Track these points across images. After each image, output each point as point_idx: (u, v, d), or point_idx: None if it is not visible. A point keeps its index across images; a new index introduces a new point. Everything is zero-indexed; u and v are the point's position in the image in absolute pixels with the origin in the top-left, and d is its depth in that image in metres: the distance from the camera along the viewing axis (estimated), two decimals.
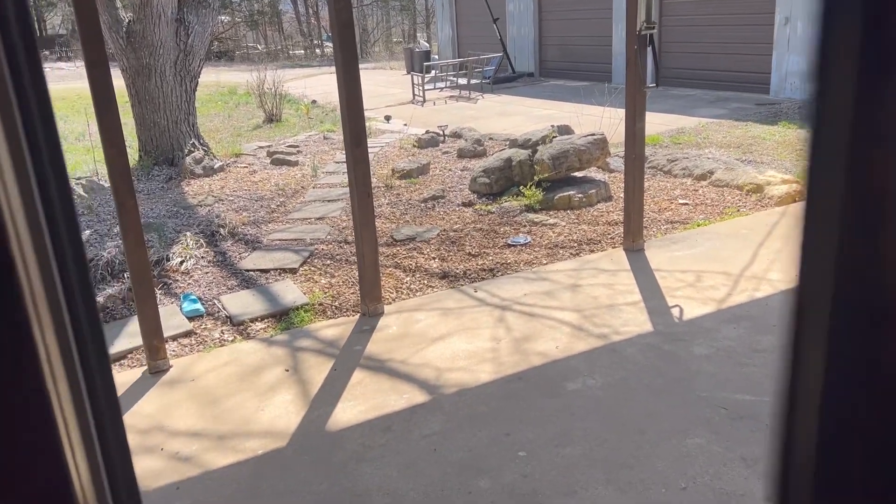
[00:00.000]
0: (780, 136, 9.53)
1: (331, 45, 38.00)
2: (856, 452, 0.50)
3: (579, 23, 17.23)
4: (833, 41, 0.46)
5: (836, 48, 0.45)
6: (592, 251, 5.62)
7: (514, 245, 5.82)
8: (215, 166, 9.00)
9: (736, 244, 5.47)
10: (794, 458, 0.54)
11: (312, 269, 5.61)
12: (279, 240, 6.35)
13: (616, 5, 15.81)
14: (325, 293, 5.11)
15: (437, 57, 23.82)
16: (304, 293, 5.10)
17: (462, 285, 5.12)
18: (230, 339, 4.54)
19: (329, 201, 7.53)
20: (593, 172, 7.62)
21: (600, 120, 9.67)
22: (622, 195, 6.78)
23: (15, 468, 0.47)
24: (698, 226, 6.04)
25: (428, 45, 26.47)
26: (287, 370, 4.08)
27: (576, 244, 5.78)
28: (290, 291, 5.14)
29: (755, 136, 9.62)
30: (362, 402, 3.70)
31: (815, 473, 0.52)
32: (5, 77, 0.44)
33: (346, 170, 8.64)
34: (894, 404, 0.48)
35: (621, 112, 9.22)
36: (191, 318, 4.78)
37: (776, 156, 8.51)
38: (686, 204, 6.69)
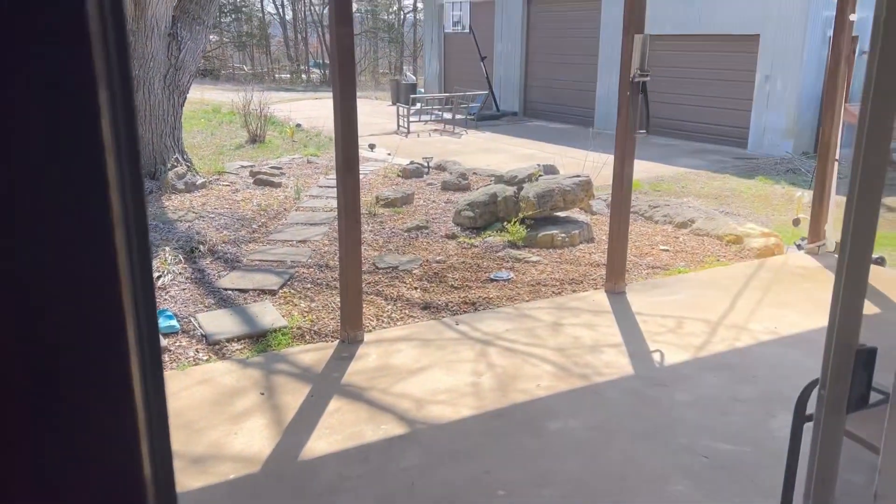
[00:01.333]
0: (757, 191, 9.71)
1: (317, 70, 38.20)
2: None
3: (565, 67, 17.53)
4: None
5: None
6: (574, 291, 5.62)
7: (496, 280, 5.80)
8: (197, 182, 8.89)
9: (716, 293, 5.51)
10: None
11: (292, 291, 5.53)
12: (259, 260, 6.26)
13: (602, 52, 16.12)
14: (305, 317, 5.03)
15: (423, 90, 23.98)
16: (283, 316, 5.02)
17: (443, 317, 5.07)
18: (205, 358, 4.42)
19: (312, 225, 7.46)
20: (576, 213, 7.67)
21: (583, 163, 9.78)
22: (604, 237, 6.84)
23: (93, 450, 0.49)
24: (679, 273, 6.09)
25: (414, 77, 26.71)
26: (262, 393, 3.97)
27: (558, 283, 5.78)
28: (268, 313, 5.05)
29: (733, 189, 9.79)
30: (339, 431, 3.61)
31: None
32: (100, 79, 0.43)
33: (329, 195, 8.67)
34: None
35: (604, 156, 9.41)
36: (165, 335, 4.66)
37: (753, 209, 8.66)
38: (667, 250, 6.75)
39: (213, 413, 3.76)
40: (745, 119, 13.37)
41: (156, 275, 5.61)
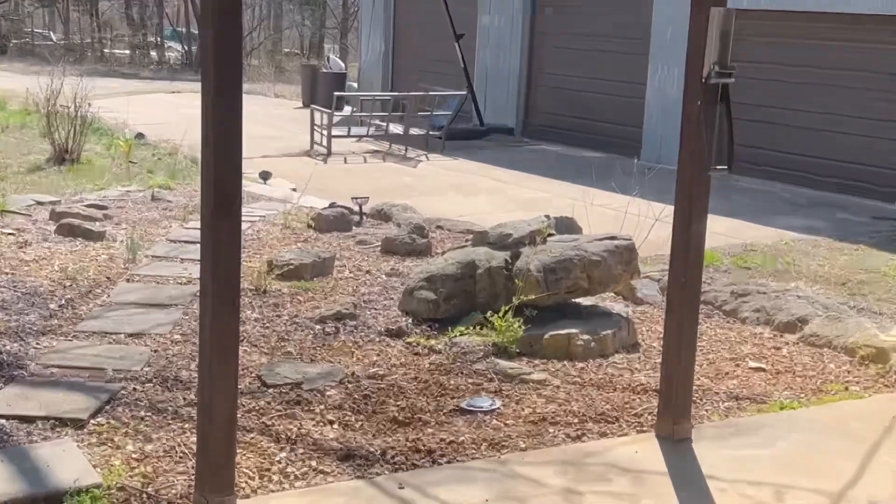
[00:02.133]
0: None
1: (177, 47, 38.67)
2: None
3: (594, 57, 17.91)
4: None
5: None
6: (604, 435, 5.63)
7: (471, 412, 5.79)
8: None
9: (840, 444, 5.55)
10: None
11: (114, 423, 5.47)
12: (59, 366, 6.23)
13: (657, 36, 16.52)
14: (134, 469, 4.97)
15: (356, 86, 24.34)
16: (96, 466, 4.96)
17: (377, 475, 5.03)
18: None
19: (154, 306, 7.46)
20: (609, 301, 7.72)
21: (622, 217, 9.91)
22: (656, 344, 6.87)
23: None
24: (781, 408, 6.13)
25: (343, 64, 27.15)
26: None
27: (577, 421, 5.78)
28: (69, 461, 4.99)
29: (872, 269, 9.96)
30: None
31: None
32: None
33: (188, 255, 8.63)
34: None
35: (656, 207, 9.53)
36: None
37: None
38: (761, 369, 6.80)
39: None
40: (893, 154, 13.69)
41: None
